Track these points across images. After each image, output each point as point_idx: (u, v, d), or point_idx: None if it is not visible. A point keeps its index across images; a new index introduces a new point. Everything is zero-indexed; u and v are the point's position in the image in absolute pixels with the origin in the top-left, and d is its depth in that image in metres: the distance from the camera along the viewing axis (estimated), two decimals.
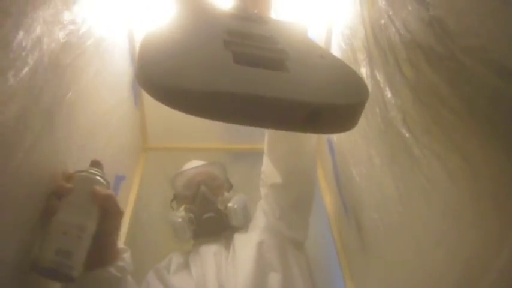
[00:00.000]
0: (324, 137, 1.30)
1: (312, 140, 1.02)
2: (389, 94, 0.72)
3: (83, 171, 0.70)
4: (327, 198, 1.31)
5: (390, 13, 0.71)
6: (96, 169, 0.72)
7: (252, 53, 0.64)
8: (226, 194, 1.15)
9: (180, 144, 1.47)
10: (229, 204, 1.11)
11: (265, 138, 1.04)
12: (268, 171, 1.08)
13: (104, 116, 1.00)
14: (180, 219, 1.10)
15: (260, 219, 1.10)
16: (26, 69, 0.57)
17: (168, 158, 1.49)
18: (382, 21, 0.75)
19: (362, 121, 0.89)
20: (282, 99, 0.52)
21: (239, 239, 1.07)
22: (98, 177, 0.70)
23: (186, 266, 1.07)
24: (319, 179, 1.39)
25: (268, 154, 1.07)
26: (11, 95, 0.54)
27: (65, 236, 0.62)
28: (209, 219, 1.09)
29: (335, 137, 1.16)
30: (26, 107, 0.59)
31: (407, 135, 0.65)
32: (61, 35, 0.71)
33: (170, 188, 1.32)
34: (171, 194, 1.29)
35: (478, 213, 0.48)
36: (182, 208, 1.14)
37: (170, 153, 1.48)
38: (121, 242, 1.15)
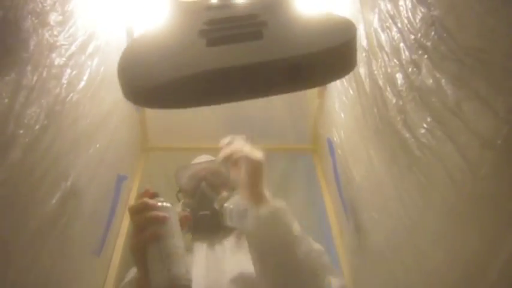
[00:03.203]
0: (324, 137, 1.30)
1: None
2: (389, 94, 0.72)
3: (162, 201, 0.78)
4: (327, 198, 1.31)
5: (391, 13, 0.71)
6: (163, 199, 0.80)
7: (226, 34, 0.64)
8: (224, 193, 1.13)
9: (181, 144, 1.47)
10: (226, 204, 1.10)
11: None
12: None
13: (104, 115, 1.00)
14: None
15: None
16: (14, 70, 0.57)
17: (168, 158, 1.48)
18: (383, 21, 0.75)
19: (361, 121, 0.90)
20: (255, 63, 0.52)
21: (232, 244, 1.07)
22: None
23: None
24: (319, 179, 1.39)
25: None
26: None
27: (183, 257, 0.72)
28: (203, 217, 1.08)
29: (335, 137, 1.16)
30: (23, 107, 0.58)
31: (407, 135, 0.64)
32: (52, 35, 0.70)
33: (170, 186, 1.31)
34: (171, 194, 1.29)
35: (477, 213, 0.48)
36: (181, 203, 1.14)
37: (170, 153, 1.48)
38: (120, 242, 1.15)
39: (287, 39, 0.60)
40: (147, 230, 0.72)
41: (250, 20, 0.69)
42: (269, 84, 0.54)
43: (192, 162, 1.28)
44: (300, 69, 0.54)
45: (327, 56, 0.55)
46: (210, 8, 0.79)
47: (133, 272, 1.02)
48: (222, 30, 0.66)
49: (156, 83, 0.53)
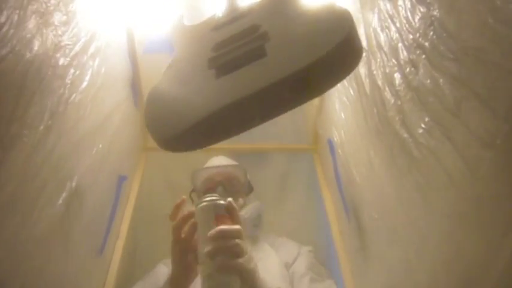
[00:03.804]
0: (325, 137, 1.30)
1: None
2: (388, 94, 0.72)
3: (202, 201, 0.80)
4: (327, 198, 1.31)
5: (390, 13, 0.71)
6: (209, 194, 0.82)
7: (232, 58, 0.65)
8: (240, 200, 1.13)
9: None
10: (241, 213, 1.10)
11: None
12: None
13: (106, 116, 1.00)
14: None
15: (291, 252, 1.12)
16: (18, 70, 0.57)
17: (168, 158, 1.48)
18: (382, 21, 0.75)
19: (362, 121, 0.90)
20: (262, 88, 0.53)
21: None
22: (212, 201, 0.80)
23: None
24: (320, 179, 1.39)
25: None
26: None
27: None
28: None
29: (336, 137, 1.16)
30: (27, 107, 0.59)
31: (405, 135, 0.65)
32: (56, 35, 0.71)
33: (170, 186, 1.30)
34: (171, 194, 1.28)
35: (476, 213, 0.48)
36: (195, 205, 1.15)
37: (170, 153, 1.47)
38: (121, 243, 1.15)
39: (289, 50, 0.60)
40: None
41: (253, 34, 0.69)
42: (283, 102, 0.55)
43: (208, 163, 1.27)
44: (308, 80, 0.54)
45: (332, 57, 0.55)
46: (216, 27, 0.80)
47: (158, 267, 1.08)
48: (228, 53, 0.67)
49: (176, 132, 0.56)
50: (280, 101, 0.55)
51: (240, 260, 0.74)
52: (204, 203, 0.79)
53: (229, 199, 0.81)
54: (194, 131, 0.55)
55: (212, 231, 0.74)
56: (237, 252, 0.74)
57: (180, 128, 0.56)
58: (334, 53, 0.55)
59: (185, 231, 0.80)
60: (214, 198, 0.80)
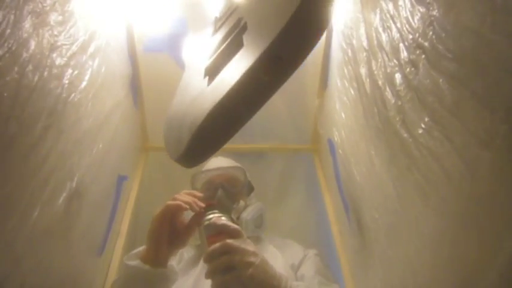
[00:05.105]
0: (325, 136, 1.30)
1: None
2: (388, 94, 0.72)
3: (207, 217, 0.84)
4: (327, 198, 1.31)
5: (391, 13, 0.71)
6: (211, 212, 0.85)
7: (218, 59, 0.67)
8: (242, 202, 1.13)
9: None
10: (243, 215, 1.10)
11: None
12: None
13: (106, 116, 1.00)
14: None
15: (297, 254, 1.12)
16: (15, 70, 0.57)
17: (168, 158, 1.48)
18: (383, 21, 0.75)
19: (362, 121, 0.90)
20: (239, 79, 0.53)
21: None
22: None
23: (194, 261, 1.08)
24: (320, 179, 1.39)
25: None
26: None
27: None
28: None
29: (336, 137, 1.16)
30: (24, 107, 0.59)
31: (405, 135, 0.65)
32: (52, 35, 0.71)
33: (170, 186, 1.30)
34: (171, 194, 1.28)
35: (475, 213, 0.48)
36: None
37: None
38: (121, 242, 1.15)
39: (261, 32, 0.60)
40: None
41: (235, 29, 0.70)
42: (265, 87, 0.55)
43: (208, 165, 1.27)
44: (280, 56, 0.53)
45: (296, 21, 0.53)
46: (214, 31, 0.80)
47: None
48: (217, 56, 0.69)
49: (180, 153, 0.58)
50: (262, 87, 0.55)
51: (234, 271, 0.75)
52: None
53: (215, 216, 0.84)
54: (195, 144, 0.56)
55: (203, 257, 0.78)
56: (228, 267, 0.75)
57: (182, 146, 0.58)
58: (293, 24, 0.53)
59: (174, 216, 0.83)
60: (209, 217, 0.83)
